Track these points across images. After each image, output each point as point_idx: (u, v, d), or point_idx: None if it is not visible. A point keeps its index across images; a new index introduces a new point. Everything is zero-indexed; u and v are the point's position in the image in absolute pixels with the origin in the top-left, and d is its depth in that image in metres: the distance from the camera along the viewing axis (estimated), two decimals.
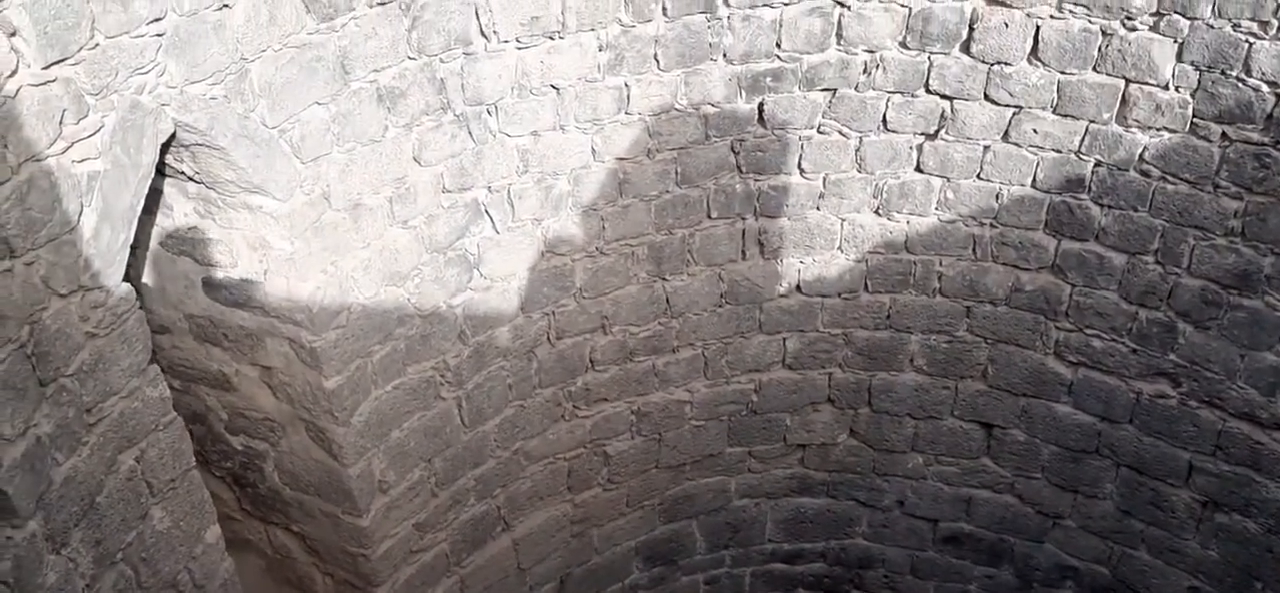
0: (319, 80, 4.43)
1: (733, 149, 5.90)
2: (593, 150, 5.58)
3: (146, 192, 3.89)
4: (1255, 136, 5.22)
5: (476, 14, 4.85)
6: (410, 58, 4.75)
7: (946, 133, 5.84)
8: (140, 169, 3.80)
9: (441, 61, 4.86)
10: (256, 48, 4.14)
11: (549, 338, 6.08)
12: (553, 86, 5.26)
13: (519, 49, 5.06)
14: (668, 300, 6.35)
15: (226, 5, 3.97)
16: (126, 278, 4.40)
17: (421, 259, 5.25)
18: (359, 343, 5.09)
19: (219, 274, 4.82)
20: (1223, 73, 5.15)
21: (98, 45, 3.51)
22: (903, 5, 5.45)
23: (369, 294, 5.04)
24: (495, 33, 4.94)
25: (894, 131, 5.89)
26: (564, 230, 5.76)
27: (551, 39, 5.11)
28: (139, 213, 3.87)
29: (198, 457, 5.55)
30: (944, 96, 5.72)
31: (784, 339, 6.75)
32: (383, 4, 4.55)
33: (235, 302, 4.89)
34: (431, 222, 5.21)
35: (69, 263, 3.51)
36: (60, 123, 3.39)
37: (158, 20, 3.71)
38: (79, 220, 3.55)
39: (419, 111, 4.90)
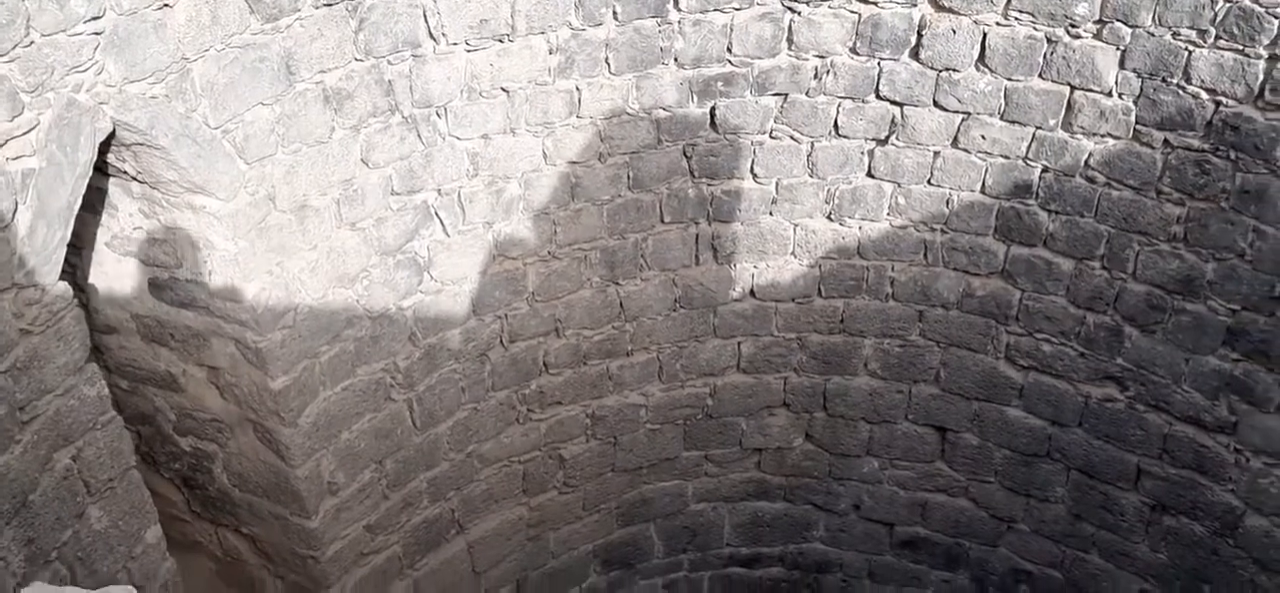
0: (263, 81, 4.43)
1: (685, 153, 5.93)
2: (544, 153, 5.60)
3: (84, 190, 3.88)
4: (1196, 143, 5.30)
5: (424, 16, 4.87)
6: (357, 59, 4.76)
7: (897, 138, 5.89)
8: (77, 167, 3.80)
9: (389, 63, 4.88)
10: (198, 47, 4.14)
11: (502, 341, 6.09)
12: (503, 89, 5.28)
13: (468, 51, 5.08)
14: (621, 305, 6.37)
15: (167, 5, 3.97)
16: (72, 278, 4.41)
17: (370, 261, 5.25)
18: (306, 344, 5.08)
19: (164, 274, 4.82)
20: (1164, 80, 5.23)
21: (33, 43, 3.51)
22: (852, 11, 5.50)
23: (316, 295, 5.03)
24: (444, 35, 4.96)
25: (845, 137, 5.94)
26: (515, 233, 5.77)
27: (501, 41, 5.13)
28: (76, 211, 3.86)
29: (146, 458, 5.57)
30: (894, 102, 5.77)
31: (739, 344, 6.78)
32: (329, 5, 4.56)
33: (181, 302, 4.88)
34: (380, 223, 5.22)
35: (2, 260, 3.51)
36: None
37: (96, 18, 3.72)
38: (13, 218, 3.55)
39: (366, 113, 4.90)
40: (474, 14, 4.97)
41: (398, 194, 5.23)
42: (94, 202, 4.60)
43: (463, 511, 6.48)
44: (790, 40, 5.59)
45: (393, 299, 5.46)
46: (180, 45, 4.06)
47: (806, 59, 5.66)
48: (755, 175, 6.09)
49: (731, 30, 5.52)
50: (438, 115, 5.18)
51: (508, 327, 6.07)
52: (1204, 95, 5.16)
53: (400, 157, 5.14)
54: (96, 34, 3.74)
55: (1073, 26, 5.27)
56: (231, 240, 4.58)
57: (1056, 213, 5.84)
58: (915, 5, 5.43)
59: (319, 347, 5.17)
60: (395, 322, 5.52)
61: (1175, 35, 5.11)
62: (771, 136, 5.95)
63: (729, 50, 5.58)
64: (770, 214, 6.26)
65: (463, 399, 6.09)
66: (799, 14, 5.50)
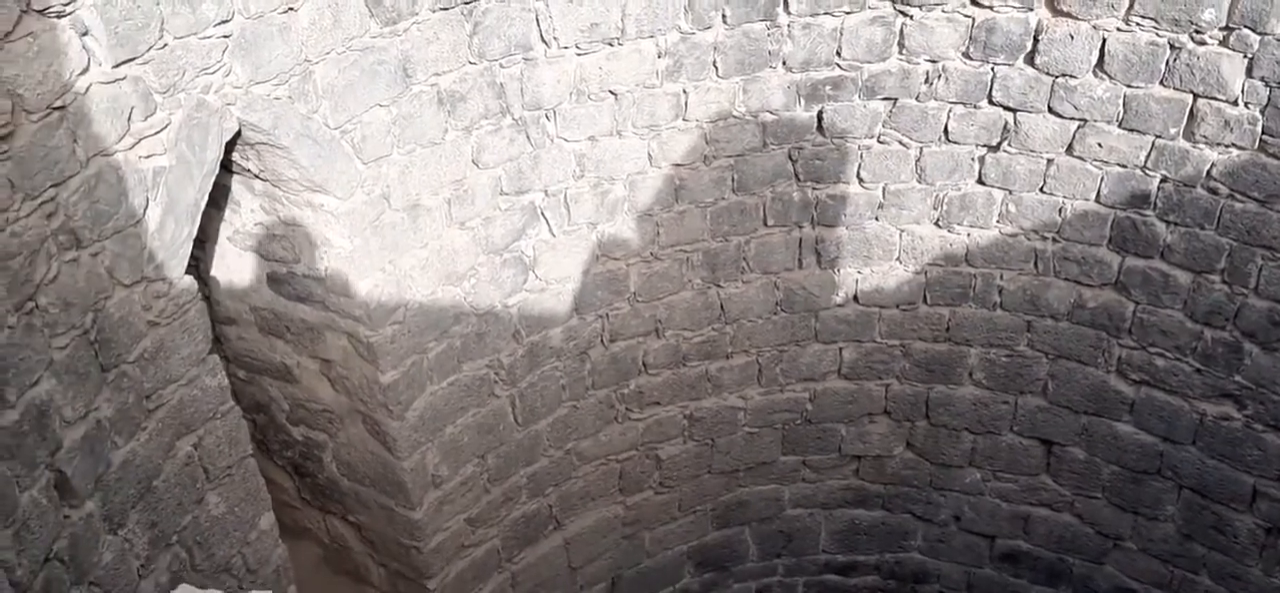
0: (381, 83, 4.53)
1: (790, 157, 5.90)
2: (649, 156, 5.62)
3: (210, 187, 4.02)
4: None
5: (537, 20, 4.92)
6: (471, 62, 4.84)
7: (1009, 145, 5.77)
8: (205, 165, 3.93)
9: (501, 66, 4.94)
10: (320, 50, 4.25)
11: (602, 340, 6.13)
12: (611, 92, 5.31)
13: (578, 55, 5.12)
14: (722, 307, 6.36)
15: (292, 9, 4.08)
16: (195, 271, 4.57)
17: (478, 260, 5.34)
18: (415, 340, 5.19)
19: (282, 269, 4.96)
20: None
21: (166, 45, 3.64)
22: (966, 15, 5.40)
23: (426, 292, 5.13)
24: (555, 39, 5.01)
25: (955, 142, 5.83)
26: (619, 234, 5.80)
27: (610, 45, 5.16)
28: (203, 207, 4.00)
29: (260, 446, 5.74)
30: (1007, 108, 5.65)
31: (840, 349, 6.71)
32: (445, 9, 4.64)
33: (297, 296, 5.03)
34: (488, 223, 5.30)
35: (133, 254, 3.65)
36: (128, 119, 3.54)
37: (225, 22, 3.84)
38: (144, 213, 3.69)
39: (478, 115, 4.98)
40: (585, 18, 5.01)
41: (506, 194, 5.30)
42: (217, 197, 4.76)
43: (560, 507, 6.55)
44: (901, 44, 5.52)
45: (498, 297, 5.54)
46: (303, 48, 4.18)
47: (918, 63, 5.57)
48: (861, 180, 6.02)
49: (841, 34, 5.47)
50: (547, 117, 5.23)
51: (609, 326, 6.11)
52: None
53: (509, 158, 5.21)
54: (225, 37, 3.87)
55: (1197, 33, 5.10)
56: (347, 238, 4.70)
57: (1175, 224, 5.65)
58: (1032, 10, 5.31)
59: (427, 342, 5.27)
60: (500, 319, 5.60)
61: None
62: (879, 141, 5.88)
63: (838, 54, 5.53)
64: (876, 219, 6.18)
65: (563, 397, 6.16)
66: (911, 18, 5.42)
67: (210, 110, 3.89)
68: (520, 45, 4.93)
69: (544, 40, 4.98)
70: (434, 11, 4.59)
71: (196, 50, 3.77)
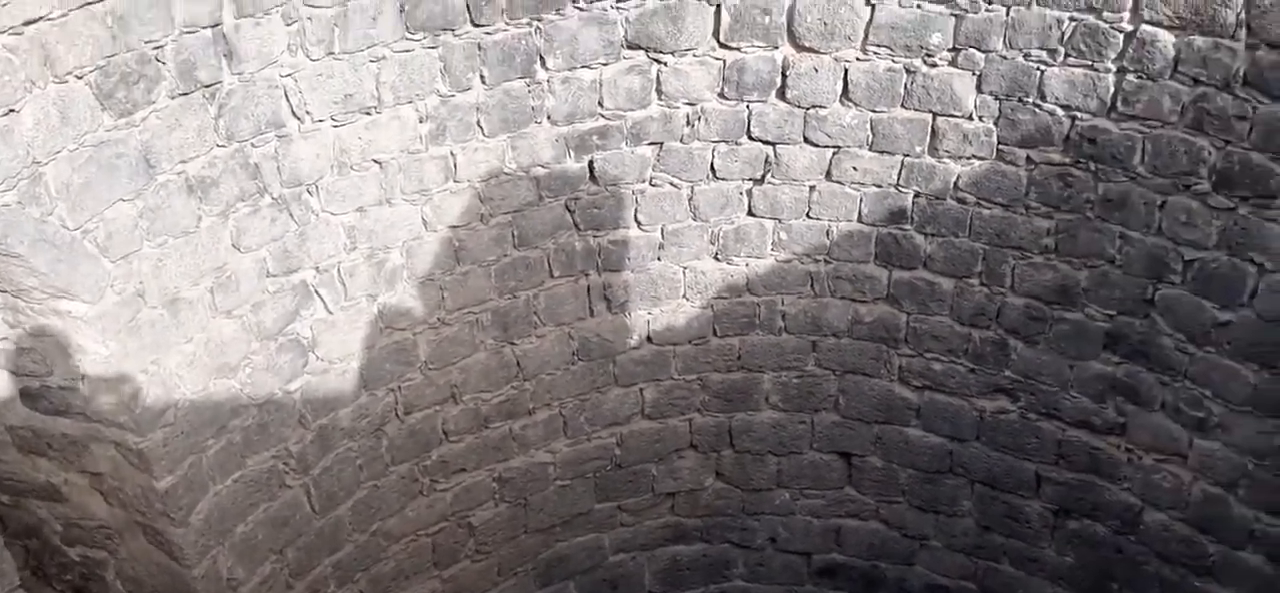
0: (122, 177, 4.34)
1: (568, 208, 5.96)
2: (423, 221, 5.58)
3: None
4: (1057, 158, 5.48)
5: (286, 96, 4.83)
6: (219, 146, 4.70)
7: (772, 177, 5.99)
8: None
9: (253, 146, 4.82)
10: (49, 150, 4.04)
11: (397, 413, 6.02)
12: (375, 161, 5.26)
13: (335, 127, 5.05)
14: (518, 363, 6.35)
15: (12, 110, 3.88)
16: None
17: (251, 347, 5.17)
18: (190, 440, 4.97)
19: (35, 383, 4.69)
20: (1020, 100, 5.41)
21: None
22: (717, 58, 5.60)
23: (196, 388, 4.93)
24: (308, 113, 4.93)
25: (723, 179, 6.03)
26: (402, 303, 5.73)
27: (368, 114, 5.11)
28: None
29: (36, 572, 5.39)
30: (766, 142, 5.88)
31: (641, 390, 6.80)
32: (185, 94, 4.49)
33: (55, 409, 4.75)
34: (258, 308, 5.13)
35: None
36: None
37: None
38: None
39: (234, 198, 4.83)
40: (337, 90, 4.95)
41: (274, 276, 5.16)
42: None
43: (373, 592, 6.37)
44: (659, 90, 5.67)
45: (278, 383, 5.37)
46: (30, 150, 3.95)
47: (677, 107, 5.74)
48: (640, 223, 6.14)
49: (601, 85, 5.58)
50: (309, 193, 5.13)
51: (402, 398, 6.01)
52: (1060, 112, 5.35)
53: (273, 238, 5.07)
54: None
55: (928, 56, 5.43)
56: (102, 342, 4.47)
57: (932, 235, 5.98)
58: (777, 47, 5.55)
59: (205, 441, 5.06)
60: (283, 406, 5.43)
61: (1026, 57, 5.29)
62: (651, 184, 6.02)
63: (600, 104, 5.64)
64: (658, 260, 6.31)
65: (361, 477, 6.01)
66: (665, 64, 5.58)
67: None
68: (271, 123, 4.83)
69: (296, 116, 4.90)
70: (173, 98, 4.44)
71: None
